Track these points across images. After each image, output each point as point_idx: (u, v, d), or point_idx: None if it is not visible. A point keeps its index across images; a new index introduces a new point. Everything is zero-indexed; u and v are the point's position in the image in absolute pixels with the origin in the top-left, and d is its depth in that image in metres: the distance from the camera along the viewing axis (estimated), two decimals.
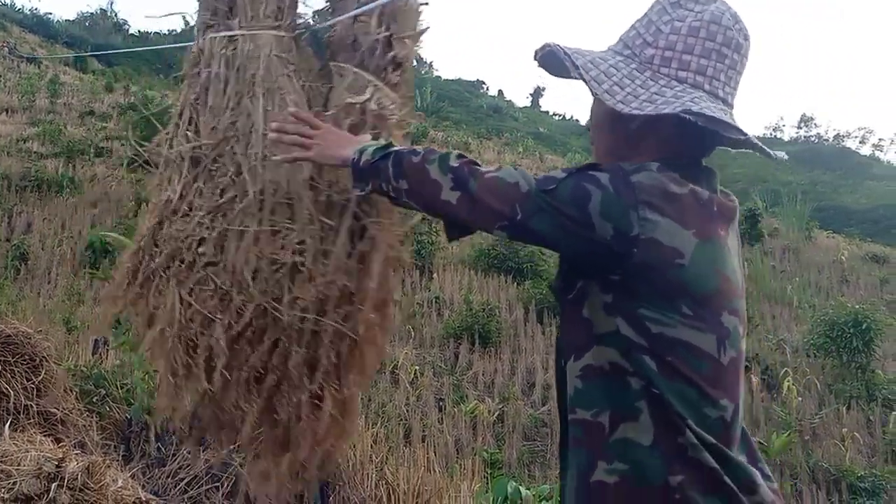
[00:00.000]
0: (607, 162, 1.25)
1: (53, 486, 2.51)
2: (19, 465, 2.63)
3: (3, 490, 2.50)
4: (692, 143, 1.21)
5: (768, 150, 1.22)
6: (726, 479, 1.09)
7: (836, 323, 10.53)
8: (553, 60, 1.28)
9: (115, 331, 6.77)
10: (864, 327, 10.28)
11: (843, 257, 18.72)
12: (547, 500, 3.49)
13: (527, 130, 41.17)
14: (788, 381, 9.26)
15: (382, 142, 1.50)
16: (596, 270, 1.15)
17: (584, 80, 1.19)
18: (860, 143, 70.70)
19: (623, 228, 1.09)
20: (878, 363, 10.93)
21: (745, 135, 1.17)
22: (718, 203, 1.17)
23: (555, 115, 70.40)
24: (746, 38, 1.21)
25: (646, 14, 1.23)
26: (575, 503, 1.18)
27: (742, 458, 1.15)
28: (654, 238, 1.09)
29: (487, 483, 4.02)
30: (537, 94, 72.55)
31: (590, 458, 1.16)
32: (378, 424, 5.00)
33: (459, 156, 1.30)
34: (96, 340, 5.80)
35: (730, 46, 1.18)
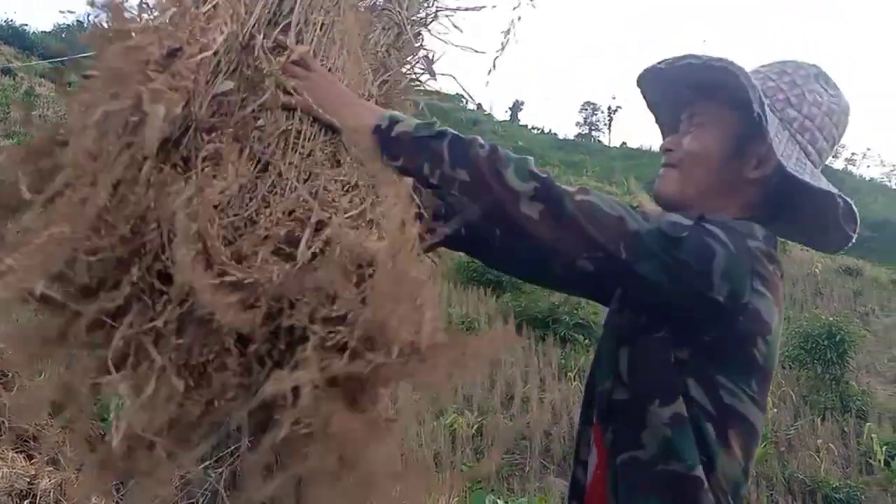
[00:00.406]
0: (691, 198, 1.21)
1: (26, 503, 2.47)
2: None
3: None
4: (781, 212, 1.20)
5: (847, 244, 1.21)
6: None
7: (810, 335, 10.65)
8: (709, 74, 1.17)
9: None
10: (837, 339, 10.40)
11: (816, 270, 18.96)
12: None
13: (506, 144, 41.33)
14: None
15: (413, 118, 1.18)
16: (683, 325, 1.09)
17: (765, 120, 1.12)
18: (833, 157, 71.70)
19: (738, 292, 1.05)
20: (851, 374, 11.06)
21: (856, 231, 1.18)
22: (780, 279, 1.16)
23: (533, 128, 70.88)
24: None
25: (785, 71, 1.20)
26: None
27: None
28: (758, 309, 1.07)
29: (466, 497, 4.01)
30: (516, 107, 72.97)
31: None
32: None
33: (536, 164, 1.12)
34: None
35: (839, 139, 1.21)
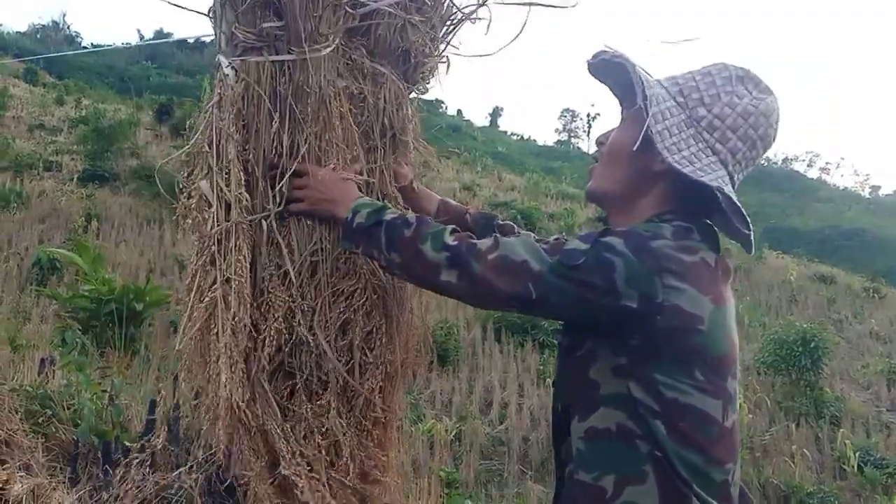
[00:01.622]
0: (615, 192, 1.28)
1: None
2: None
3: None
4: (695, 207, 1.24)
5: (753, 246, 1.25)
6: None
7: (785, 341, 10.77)
8: (610, 70, 1.26)
9: (61, 350, 6.60)
10: (812, 346, 10.53)
11: (791, 277, 19.21)
12: None
13: (485, 150, 41.46)
14: (740, 399, 9.43)
15: (376, 202, 1.41)
16: (613, 334, 1.14)
17: (646, 113, 1.19)
18: (808, 166, 73.04)
19: (648, 294, 1.09)
20: (825, 381, 11.21)
21: (750, 231, 1.21)
22: (723, 265, 1.19)
23: (513, 134, 71.16)
24: (775, 139, 1.26)
25: (710, 72, 1.24)
26: None
27: None
28: (677, 305, 1.10)
29: (444, 502, 3.99)
30: (496, 114, 73.24)
31: None
32: None
33: (454, 231, 1.27)
34: (42, 359, 5.63)
35: (763, 141, 1.23)
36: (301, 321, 1.46)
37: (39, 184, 17.10)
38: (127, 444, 3.80)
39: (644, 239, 1.13)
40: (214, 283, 1.40)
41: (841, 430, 9.27)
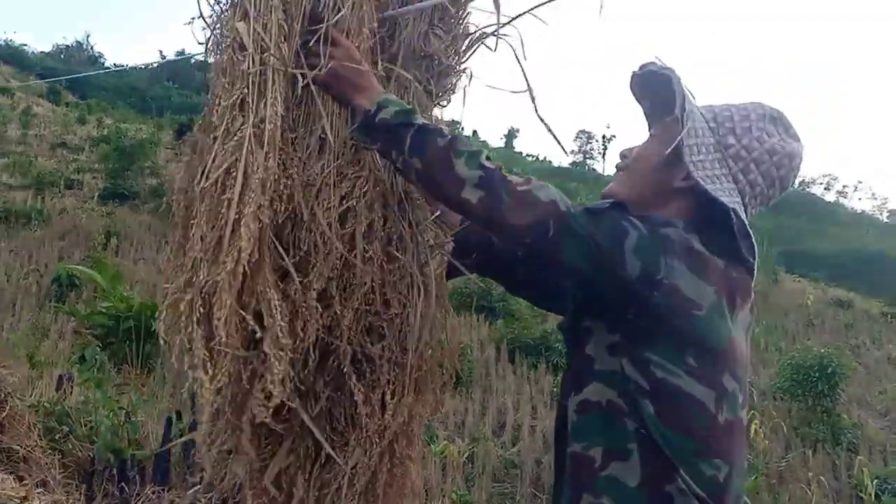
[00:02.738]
0: (630, 199, 1.30)
1: None
2: None
3: None
4: (710, 228, 1.25)
5: (754, 274, 1.26)
6: None
7: (801, 366, 10.64)
8: (652, 83, 1.30)
9: (79, 366, 6.67)
10: (829, 371, 10.40)
11: (808, 301, 19.02)
12: None
13: None
14: (755, 425, 9.34)
15: (404, 103, 1.33)
16: (609, 309, 1.19)
17: (682, 125, 1.23)
18: (825, 189, 72.61)
19: (650, 269, 1.12)
20: (843, 407, 11.06)
21: (754, 260, 1.24)
22: (740, 276, 1.21)
23: (528, 155, 71.25)
24: (792, 185, 1.31)
25: (746, 108, 1.29)
26: None
27: None
28: (675, 285, 1.13)
29: None
30: (511, 135, 73.48)
31: (577, 490, 1.19)
32: None
33: (488, 157, 1.26)
34: (60, 376, 5.70)
35: (782, 182, 1.29)
36: (302, 199, 1.31)
37: (60, 201, 17.35)
38: (142, 461, 3.85)
39: (656, 225, 1.18)
40: (244, 124, 1.23)
41: (858, 457, 9.13)
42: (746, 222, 1.22)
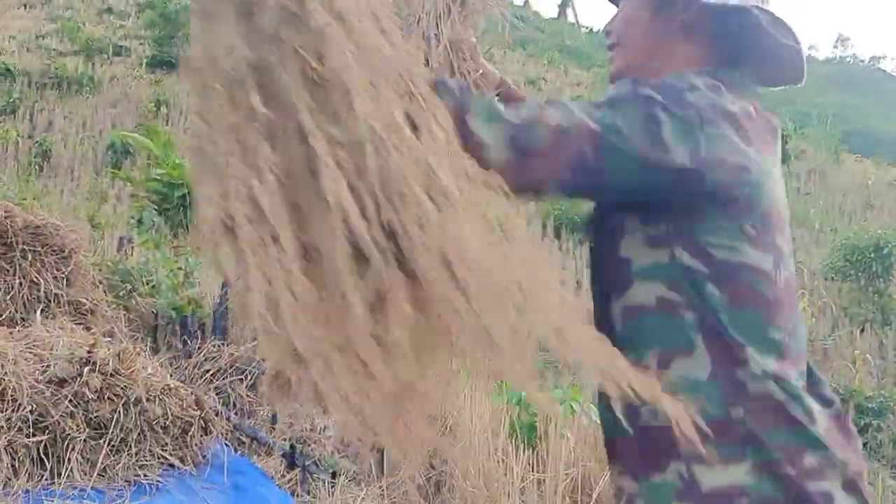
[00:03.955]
0: (634, 67, 1.20)
1: (86, 369, 2.60)
2: (52, 350, 2.73)
3: (37, 373, 2.60)
4: (733, 52, 1.16)
5: (805, 66, 1.16)
6: (789, 409, 1.06)
7: (857, 247, 10.45)
8: None
9: (137, 230, 6.89)
10: (885, 252, 10.22)
11: (869, 182, 18.42)
12: (560, 404, 3.58)
13: (552, 42, 40.03)
14: (804, 303, 9.30)
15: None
16: (651, 201, 1.09)
17: None
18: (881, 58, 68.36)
19: (694, 148, 1.03)
20: (895, 288, 10.92)
21: (799, 44, 1.12)
22: (766, 119, 1.13)
23: (582, 27, 68.37)
24: None
25: None
26: (635, 449, 1.11)
27: (801, 384, 1.11)
28: (721, 157, 1.04)
29: (501, 387, 4.12)
30: (565, 4, 70.29)
31: (634, 403, 1.08)
32: None
33: (497, 97, 1.11)
34: (121, 238, 5.90)
35: None
36: None
37: (110, 68, 17.37)
38: (201, 318, 4.02)
39: (680, 91, 1.06)
40: None
41: None
42: (774, 11, 1.10)
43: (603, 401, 1.19)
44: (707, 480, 1.05)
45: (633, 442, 1.11)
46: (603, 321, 1.18)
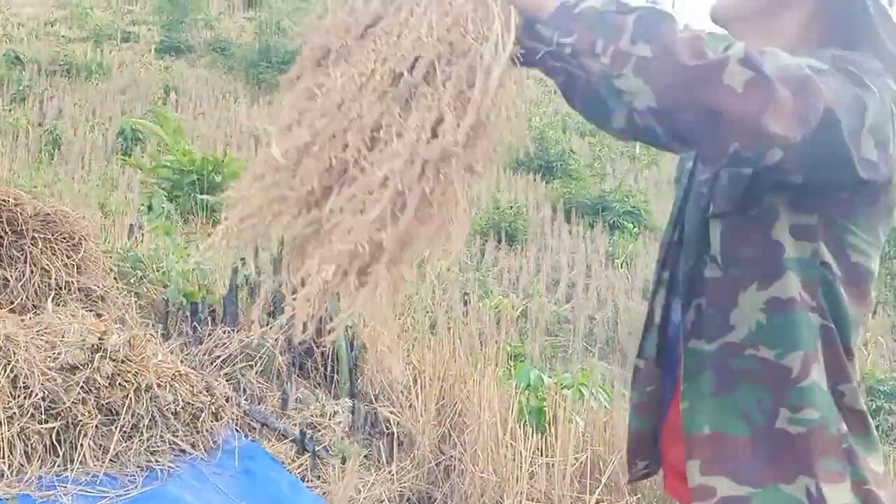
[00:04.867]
0: (739, 8, 1.11)
1: (97, 356, 2.62)
2: (63, 336, 2.75)
3: (48, 360, 2.62)
4: (845, 31, 1.06)
5: None
6: (869, 419, 1.03)
7: None
8: None
9: (148, 216, 6.91)
10: None
11: None
12: (568, 388, 3.59)
13: None
14: None
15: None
16: (810, 192, 0.98)
17: None
18: None
19: (884, 143, 0.92)
20: None
21: None
22: None
23: None
24: None
25: None
26: (758, 447, 1.03)
27: None
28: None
29: (510, 372, 4.13)
30: None
31: (773, 403, 1.01)
32: (405, 315, 5.12)
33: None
34: (131, 225, 5.92)
35: None
36: None
37: (118, 55, 17.37)
38: (212, 305, 4.03)
39: (878, 75, 0.94)
40: None
41: None
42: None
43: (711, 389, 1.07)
44: (831, 498, 0.98)
45: (761, 444, 1.02)
46: (694, 294, 1.08)
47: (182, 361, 3.10)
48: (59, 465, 2.42)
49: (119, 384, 2.62)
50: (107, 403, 2.58)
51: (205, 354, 3.45)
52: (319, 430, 3.21)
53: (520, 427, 2.99)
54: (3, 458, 2.32)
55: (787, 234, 1.00)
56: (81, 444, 2.47)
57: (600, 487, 2.77)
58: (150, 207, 6.95)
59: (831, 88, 0.88)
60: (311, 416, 3.29)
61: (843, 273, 1.00)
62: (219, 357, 3.44)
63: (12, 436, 2.35)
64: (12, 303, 3.10)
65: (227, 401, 2.99)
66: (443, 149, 0.91)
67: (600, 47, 0.89)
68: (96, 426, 2.52)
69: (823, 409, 0.99)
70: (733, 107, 0.83)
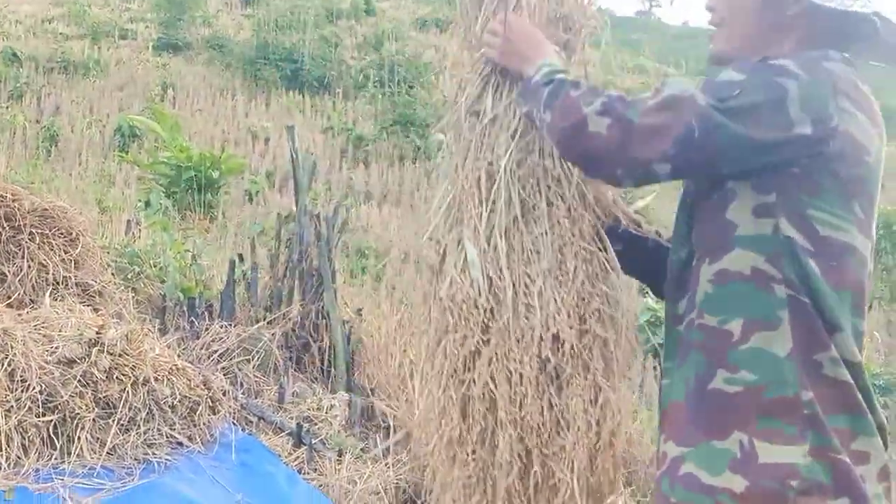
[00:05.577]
0: (737, 48, 1.19)
1: (94, 350, 2.64)
2: (61, 330, 2.76)
3: (46, 353, 2.63)
4: (836, 44, 1.13)
5: None
6: (856, 396, 1.05)
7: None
8: None
9: (145, 212, 6.92)
10: (894, 229, 10.18)
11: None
12: None
13: None
14: None
15: (559, 65, 1.27)
16: (765, 169, 1.06)
17: None
18: None
19: (823, 118, 1.02)
20: None
21: None
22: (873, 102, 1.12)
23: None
24: None
25: None
26: (690, 409, 1.12)
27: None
28: (849, 131, 1.03)
29: None
30: None
31: (709, 366, 1.09)
32: (402, 311, 5.13)
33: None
34: (129, 220, 5.92)
35: None
36: None
37: (116, 52, 17.35)
38: (209, 300, 4.05)
39: (816, 59, 1.05)
40: None
41: None
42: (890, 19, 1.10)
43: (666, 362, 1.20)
44: (764, 455, 1.04)
45: (693, 406, 1.11)
46: (680, 286, 1.17)
47: (179, 355, 3.11)
48: (56, 458, 2.43)
49: (116, 378, 2.63)
50: (104, 397, 2.59)
51: (202, 349, 3.47)
52: (316, 424, 3.22)
53: None
54: (1, 450, 2.33)
55: (748, 214, 1.07)
56: (79, 437, 2.48)
57: None
58: (147, 203, 6.96)
59: (719, 96, 1.03)
60: (308, 409, 3.31)
61: (812, 246, 1.05)
62: (216, 351, 3.46)
63: (10, 429, 2.36)
64: (10, 297, 3.11)
65: (224, 394, 3.01)
66: None
67: (534, 115, 1.23)
68: (93, 419, 2.54)
69: (768, 373, 1.05)
70: (600, 146, 1.09)
